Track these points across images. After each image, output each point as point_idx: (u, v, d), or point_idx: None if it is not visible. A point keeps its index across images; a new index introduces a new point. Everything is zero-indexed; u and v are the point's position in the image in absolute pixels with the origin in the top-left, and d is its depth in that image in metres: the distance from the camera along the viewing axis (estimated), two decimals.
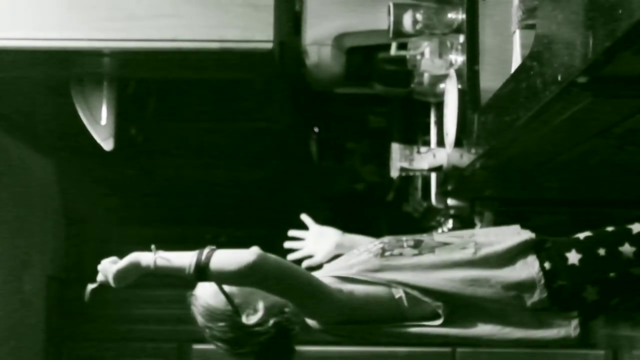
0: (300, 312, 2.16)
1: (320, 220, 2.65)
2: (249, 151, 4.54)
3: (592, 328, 4.05)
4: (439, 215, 3.39)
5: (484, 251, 2.14)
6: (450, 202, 3.17)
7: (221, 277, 2.07)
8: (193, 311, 2.22)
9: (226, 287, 2.16)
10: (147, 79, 3.77)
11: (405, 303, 2.12)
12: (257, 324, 2.14)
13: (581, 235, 2.15)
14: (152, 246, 2.15)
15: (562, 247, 2.13)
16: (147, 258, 2.14)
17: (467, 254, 2.14)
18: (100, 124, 3.59)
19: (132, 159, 4.42)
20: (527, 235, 2.17)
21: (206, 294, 2.19)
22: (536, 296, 2.07)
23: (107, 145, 3.65)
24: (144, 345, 4.64)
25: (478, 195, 3.00)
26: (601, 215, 2.73)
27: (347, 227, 2.61)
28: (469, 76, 2.44)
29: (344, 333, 2.19)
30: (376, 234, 2.42)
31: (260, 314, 2.14)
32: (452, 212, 3.22)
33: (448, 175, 2.88)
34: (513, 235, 2.19)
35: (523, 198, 3.00)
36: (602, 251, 2.09)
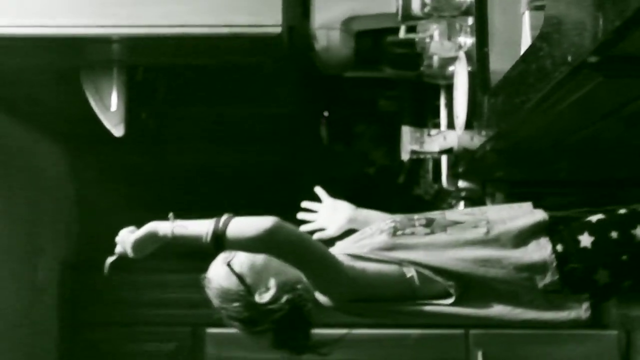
0: (313, 286, 2.16)
1: None
2: (259, 136, 4.55)
3: (604, 309, 4.05)
4: (450, 197, 3.39)
5: (496, 230, 2.14)
6: (461, 184, 3.17)
7: (238, 244, 2.07)
8: (208, 294, 2.22)
9: (237, 268, 2.17)
10: (156, 65, 3.77)
11: (417, 282, 2.12)
12: (270, 302, 2.15)
13: (593, 218, 2.14)
14: (170, 214, 2.17)
15: (574, 230, 2.12)
16: (164, 227, 2.16)
17: (479, 233, 2.14)
18: (110, 110, 3.60)
19: (143, 144, 4.43)
20: (540, 215, 2.16)
21: (218, 276, 2.21)
22: (548, 278, 2.07)
23: (118, 131, 3.66)
24: (157, 329, 4.65)
25: (489, 177, 3.00)
26: (611, 195, 2.73)
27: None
28: (479, 58, 2.44)
29: (356, 311, 2.19)
30: None
31: (272, 291, 2.15)
32: (463, 194, 3.22)
33: (459, 158, 2.88)
34: (526, 214, 2.19)
35: (533, 179, 3.00)
36: (614, 234, 2.08)
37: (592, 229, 2.11)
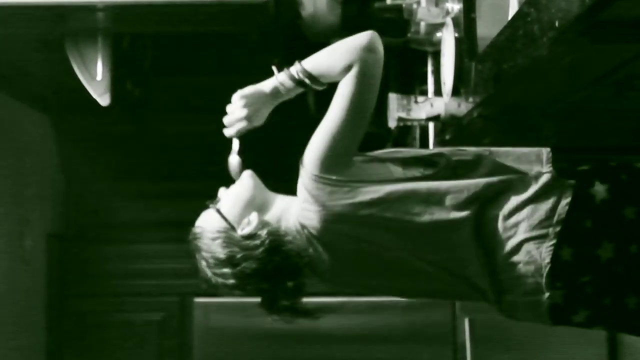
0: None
1: None
2: None
3: None
4: None
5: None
6: None
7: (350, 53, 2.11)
8: (195, 249, 2.21)
9: (222, 210, 2.19)
10: (142, 34, 3.75)
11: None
12: (251, 235, 2.14)
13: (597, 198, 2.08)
14: (273, 67, 2.25)
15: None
16: (269, 84, 2.27)
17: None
18: (96, 80, 3.58)
19: (129, 114, 4.41)
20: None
21: (204, 221, 2.22)
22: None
23: (104, 100, 3.65)
24: (145, 299, 4.66)
25: (476, 144, 2.99)
26: (599, 162, 2.73)
27: None
28: (466, 24, 2.43)
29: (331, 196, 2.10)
30: None
31: (254, 224, 2.15)
32: None
33: (446, 125, 2.87)
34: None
35: (521, 146, 2.99)
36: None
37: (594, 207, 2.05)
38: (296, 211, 2.14)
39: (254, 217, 2.16)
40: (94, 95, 3.61)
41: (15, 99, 4.33)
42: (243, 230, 2.15)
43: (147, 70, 4.09)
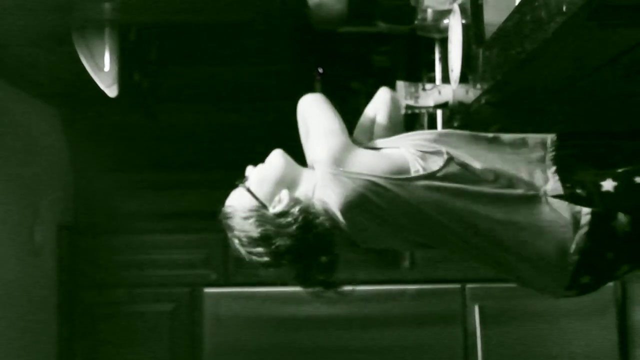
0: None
1: None
2: (253, 94, 4.53)
3: None
4: None
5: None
6: None
7: None
8: (226, 227, 2.24)
9: (252, 188, 2.22)
10: (149, 24, 3.74)
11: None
12: (284, 212, 2.16)
13: (619, 169, 2.10)
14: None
15: (597, 176, 2.09)
16: None
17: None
18: (103, 71, 3.58)
19: (137, 105, 4.41)
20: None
21: (233, 200, 2.25)
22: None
23: (111, 92, 3.65)
24: (155, 290, 4.66)
25: (484, 130, 2.99)
26: (609, 147, 2.72)
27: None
28: (473, 10, 2.42)
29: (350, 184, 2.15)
30: None
31: (285, 201, 2.17)
32: None
33: (454, 112, 2.87)
34: None
35: (529, 132, 2.98)
36: (638, 179, 2.05)
37: (616, 176, 2.07)
38: (318, 192, 2.17)
39: (284, 195, 2.19)
40: (102, 87, 3.61)
41: (23, 91, 4.34)
42: (275, 208, 2.18)
43: (154, 61, 4.08)
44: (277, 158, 2.29)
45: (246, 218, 2.18)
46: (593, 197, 2.03)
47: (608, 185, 2.04)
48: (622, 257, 2.03)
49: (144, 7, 3.31)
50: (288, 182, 2.23)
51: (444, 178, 2.11)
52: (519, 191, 2.09)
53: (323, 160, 2.15)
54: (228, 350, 4.44)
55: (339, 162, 2.13)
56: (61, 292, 4.69)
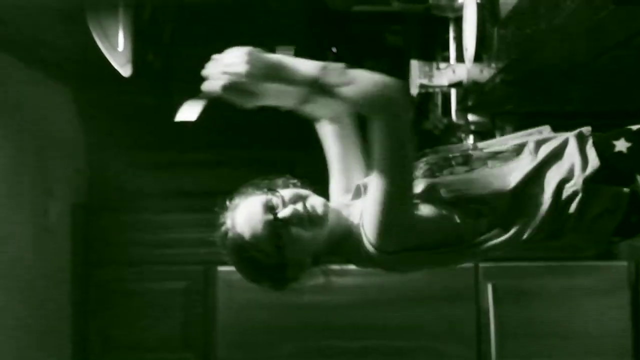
0: (370, 225, 1.94)
1: None
2: None
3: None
4: (459, 131, 3.38)
5: (542, 153, 2.02)
6: (471, 117, 3.16)
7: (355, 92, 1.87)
8: (228, 215, 2.13)
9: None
10: (163, 4, 3.74)
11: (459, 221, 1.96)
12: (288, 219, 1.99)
13: (633, 127, 2.05)
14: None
15: (609, 136, 2.03)
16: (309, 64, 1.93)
17: (524, 159, 2.02)
18: (117, 51, 3.58)
19: (151, 84, 4.41)
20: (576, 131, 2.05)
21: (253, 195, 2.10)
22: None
23: (125, 71, 3.65)
24: (169, 268, 4.67)
25: (499, 110, 2.99)
26: (622, 126, 2.72)
27: (366, 145, 2.58)
28: None
29: (406, 261, 2.01)
30: None
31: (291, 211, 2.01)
32: (472, 127, 3.21)
33: (468, 91, 2.87)
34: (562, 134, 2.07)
35: (544, 111, 2.98)
36: None
37: (630, 135, 2.01)
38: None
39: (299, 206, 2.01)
40: (116, 66, 3.62)
41: (37, 71, 4.34)
42: (283, 212, 2.00)
43: (168, 41, 4.08)
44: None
45: (250, 196, 2.07)
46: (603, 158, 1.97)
47: (621, 145, 2.00)
48: None
49: None
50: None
51: None
52: None
53: (381, 246, 1.95)
54: (240, 328, 4.45)
55: (397, 245, 1.95)
56: (75, 270, 4.71)
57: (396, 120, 1.85)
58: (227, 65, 1.95)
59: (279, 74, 1.94)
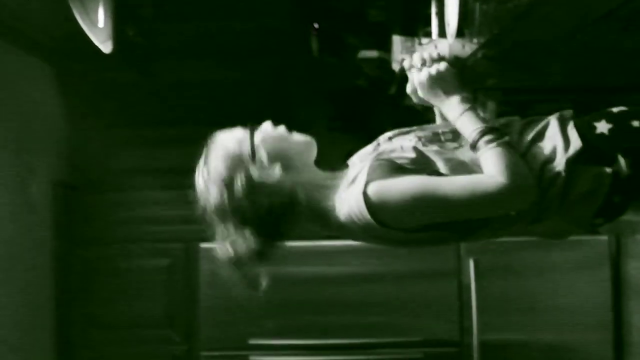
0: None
1: (322, 115, 2.62)
2: (249, 49, 4.52)
3: None
4: None
5: (526, 135, 2.02)
6: None
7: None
8: (203, 160, 2.08)
9: (256, 139, 2.04)
10: None
11: None
12: (267, 185, 1.98)
13: (614, 109, 2.06)
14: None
15: (591, 118, 2.03)
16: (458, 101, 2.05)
17: (512, 138, 2.00)
18: (97, 27, 3.56)
19: (132, 61, 4.39)
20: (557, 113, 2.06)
21: (231, 136, 2.07)
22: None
23: (106, 47, 3.63)
24: (151, 245, 4.67)
25: (481, 85, 2.98)
26: (605, 102, 2.72)
27: (349, 122, 2.58)
28: None
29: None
30: (379, 128, 2.38)
31: (275, 177, 1.99)
32: None
33: (450, 66, 2.86)
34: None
35: (526, 86, 2.98)
36: (636, 123, 2.00)
37: (610, 117, 2.02)
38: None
39: (277, 171, 1.99)
40: (96, 43, 3.60)
41: (18, 48, 4.31)
42: (260, 174, 1.99)
43: (149, 17, 4.06)
44: (308, 138, 2.09)
45: (224, 158, 2.02)
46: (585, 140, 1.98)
47: (602, 127, 2.01)
48: (629, 198, 2.01)
49: None
50: (292, 168, 2.03)
51: None
52: None
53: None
54: (223, 305, 4.45)
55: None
56: (57, 249, 4.70)
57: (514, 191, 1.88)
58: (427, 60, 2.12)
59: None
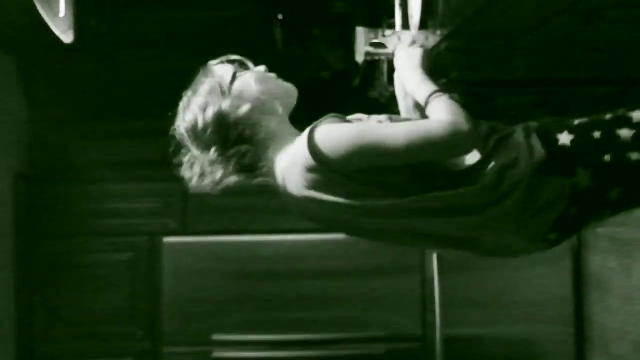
0: None
1: None
2: (213, 40, 4.48)
3: None
4: None
5: (492, 142, 2.02)
6: None
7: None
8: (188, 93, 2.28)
9: (237, 82, 2.18)
10: None
11: None
12: (234, 118, 2.12)
13: (575, 121, 2.05)
14: None
15: (553, 129, 2.04)
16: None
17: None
18: (59, 16, 3.52)
19: (94, 51, 4.35)
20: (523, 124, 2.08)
21: (214, 71, 2.26)
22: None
23: (67, 37, 3.59)
24: (114, 239, 4.64)
25: (445, 77, 2.98)
26: (569, 94, 2.73)
27: (313, 114, 2.56)
28: None
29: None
30: None
31: (243, 111, 2.13)
32: None
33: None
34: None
35: (490, 79, 2.98)
36: (597, 134, 1.99)
37: (572, 128, 2.02)
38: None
39: (246, 108, 2.12)
40: (57, 33, 3.55)
41: None
42: (232, 107, 2.12)
43: (111, 6, 4.03)
44: (290, 85, 2.25)
45: (206, 86, 2.20)
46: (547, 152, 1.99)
47: (565, 138, 2.00)
48: (586, 212, 2.02)
49: None
50: (264, 110, 2.15)
51: None
52: None
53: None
54: (187, 299, 4.44)
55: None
56: (19, 242, 4.65)
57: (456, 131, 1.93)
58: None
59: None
